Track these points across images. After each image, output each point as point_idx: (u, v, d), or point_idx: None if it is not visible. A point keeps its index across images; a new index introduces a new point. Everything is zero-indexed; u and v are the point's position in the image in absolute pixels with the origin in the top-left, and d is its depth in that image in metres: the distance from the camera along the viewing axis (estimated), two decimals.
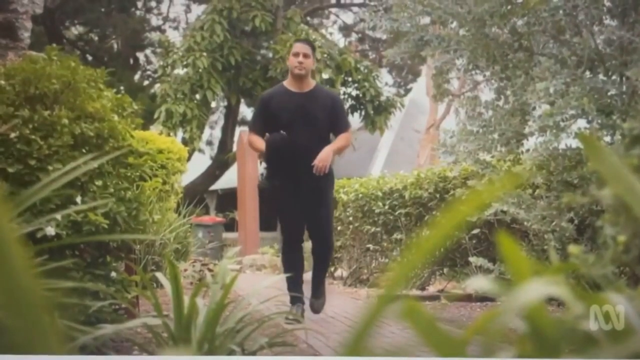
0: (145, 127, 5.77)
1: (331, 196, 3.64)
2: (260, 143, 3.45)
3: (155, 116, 11.61)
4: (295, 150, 3.32)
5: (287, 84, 3.57)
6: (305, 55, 3.46)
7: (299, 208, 3.43)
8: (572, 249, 0.78)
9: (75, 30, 15.68)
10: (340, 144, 3.51)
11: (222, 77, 12.19)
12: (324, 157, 3.32)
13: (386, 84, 14.84)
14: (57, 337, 0.44)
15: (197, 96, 12.00)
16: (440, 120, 11.82)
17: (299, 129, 3.38)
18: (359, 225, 5.89)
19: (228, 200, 14.08)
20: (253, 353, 1.67)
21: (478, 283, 0.60)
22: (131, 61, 15.24)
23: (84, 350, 1.50)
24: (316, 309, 3.49)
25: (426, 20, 4.32)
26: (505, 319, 0.50)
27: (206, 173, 14.45)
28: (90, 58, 14.51)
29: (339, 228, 6.17)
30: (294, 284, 3.39)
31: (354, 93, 12.20)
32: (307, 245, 3.81)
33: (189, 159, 5.83)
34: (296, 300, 3.38)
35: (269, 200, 3.59)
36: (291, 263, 3.49)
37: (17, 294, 0.41)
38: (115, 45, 15.31)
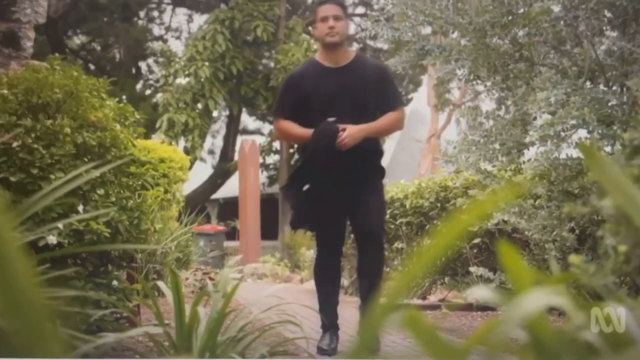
0: (147, 136, 5.81)
1: (383, 197, 2.86)
2: (299, 130, 2.74)
3: (157, 125, 11.66)
4: (333, 142, 2.63)
5: (320, 57, 2.81)
6: (337, 18, 2.71)
7: (338, 211, 2.73)
8: (573, 258, 0.78)
9: (78, 39, 15.79)
10: (380, 125, 2.72)
11: (223, 87, 12.24)
12: (351, 132, 2.61)
13: None
14: (59, 345, 0.44)
15: (199, 105, 12.06)
16: (441, 130, 11.84)
17: (337, 115, 2.65)
18: None
19: (229, 209, 14.09)
20: None
21: (479, 292, 0.60)
22: (133, 70, 15.32)
23: (85, 358, 1.50)
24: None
25: (427, 30, 4.35)
26: (506, 328, 0.50)
27: (208, 182, 14.46)
28: (92, 67, 14.58)
29: None
30: (328, 304, 2.72)
31: None
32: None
33: (190, 167, 5.84)
34: (329, 326, 2.70)
35: (296, 203, 2.77)
36: (325, 276, 2.79)
37: (20, 302, 0.42)
38: (117, 55, 15.39)
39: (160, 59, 13.56)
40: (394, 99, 2.83)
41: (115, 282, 2.26)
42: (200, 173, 14.10)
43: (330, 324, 2.71)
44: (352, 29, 16.15)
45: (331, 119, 2.66)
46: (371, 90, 2.76)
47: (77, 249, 2.08)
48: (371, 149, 2.79)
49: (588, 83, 3.11)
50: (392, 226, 5.57)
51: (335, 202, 2.71)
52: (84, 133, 2.25)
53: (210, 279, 4.59)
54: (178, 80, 12.18)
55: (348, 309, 4.87)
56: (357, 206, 2.74)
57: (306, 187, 2.67)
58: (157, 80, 14.40)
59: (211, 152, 16.31)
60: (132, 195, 2.31)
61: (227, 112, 14.52)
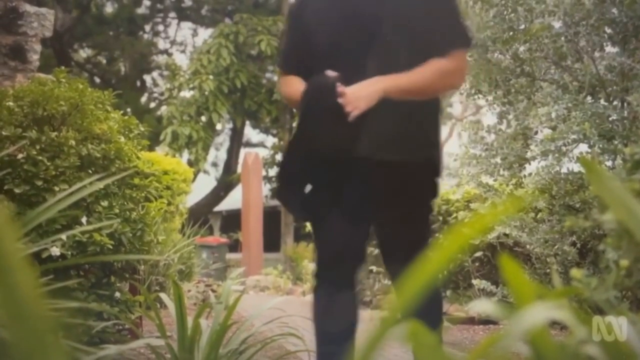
0: (151, 148, 5.84)
1: (425, 211, 1.81)
2: (293, 88, 1.70)
3: (161, 138, 11.72)
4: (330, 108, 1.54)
5: None
6: None
7: (347, 217, 1.71)
8: (575, 272, 0.78)
9: (84, 53, 15.92)
10: (413, 79, 1.58)
11: (227, 100, 12.31)
12: (355, 92, 1.53)
13: None
14: (61, 357, 0.44)
15: (203, 118, 12.13)
16: (443, 143, 11.83)
17: (353, 62, 1.59)
18: None
19: (232, 221, 14.07)
20: None
21: (481, 306, 0.61)
22: (138, 83, 15.43)
23: None
24: None
25: None
26: (508, 342, 0.50)
27: (211, 194, 14.48)
28: (98, 80, 14.69)
29: None
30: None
31: None
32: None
33: (194, 180, 5.85)
34: None
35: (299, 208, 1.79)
36: (326, 318, 1.69)
37: (22, 313, 0.42)
38: (122, 68, 15.51)
39: (165, 73, 13.66)
40: (447, 34, 1.62)
41: (117, 294, 2.26)
42: (204, 185, 14.12)
43: None
44: None
45: (331, 73, 1.57)
46: (410, 22, 1.60)
47: (80, 261, 2.08)
48: (412, 143, 1.63)
49: (589, 98, 3.13)
50: None
51: (340, 211, 1.70)
52: (89, 145, 2.27)
53: (213, 291, 4.58)
54: (182, 93, 12.27)
55: None
56: (391, 244, 1.79)
57: (308, 188, 1.67)
58: (162, 93, 14.49)
59: (214, 164, 16.34)
60: (136, 207, 2.31)
61: (230, 125, 14.57)
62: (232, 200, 14.25)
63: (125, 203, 2.28)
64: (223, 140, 16.08)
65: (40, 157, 2.15)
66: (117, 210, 2.22)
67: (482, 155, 3.44)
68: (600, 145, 2.87)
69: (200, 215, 11.42)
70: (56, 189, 2.11)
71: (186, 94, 12.25)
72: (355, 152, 1.60)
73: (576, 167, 3.22)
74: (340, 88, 1.55)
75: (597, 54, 3.21)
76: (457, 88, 1.91)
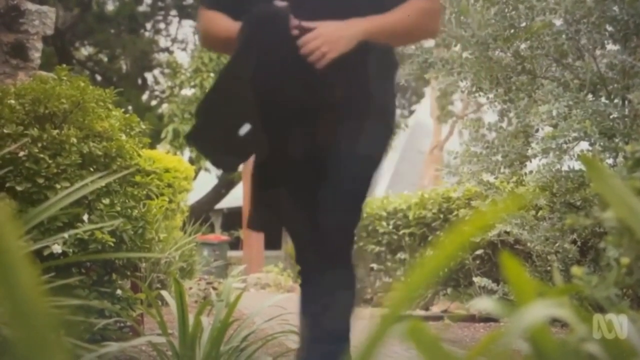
0: (152, 146, 5.85)
1: (361, 185, 1.49)
2: (225, 25, 1.46)
3: (163, 135, 11.74)
4: (290, 59, 1.36)
5: None
6: None
7: (310, 195, 1.45)
8: (575, 270, 0.78)
9: (85, 51, 15.93)
10: (393, 20, 1.43)
11: None
12: (329, 33, 1.35)
13: None
14: (63, 354, 0.45)
15: None
16: (444, 141, 11.85)
17: (303, 9, 1.38)
18: (363, 245, 5.89)
19: (233, 219, 14.09)
20: None
21: (482, 304, 0.61)
22: (139, 81, 15.43)
23: None
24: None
25: (430, 43, 4.38)
26: (508, 340, 0.51)
27: (212, 192, 14.49)
28: (99, 78, 14.69)
29: None
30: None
31: None
32: None
33: (195, 177, 5.86)
34: None
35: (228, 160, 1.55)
36: (316, 315, 1.47)
37: (24, 311, 0.42)
38: (124, 66, 15.51)
39: (166, 70, 13.65)
40: None
41: (119, 291, 2.26)
42: (205, 183, 14.14)
43: None
44: None
45: (280, 2, 1.37)
46: None
47: (82, 258, 2.08)
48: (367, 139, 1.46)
49: (590, 96, 3.12)
50: (395, 237, 5.58)
51: (302, 191, 1.47)
52: (90, 143, 2.27)
53: (214, 288, 4.59)
54: (184, 91, 12.29)
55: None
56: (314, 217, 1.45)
57: (245, 129, 1.38)
58: (163, 91, 14.49)
59: None
60: (137, 204, 2.32)
61: None
62: (233, 198, 14.27)
63: (127, 201, 2.28)
64: None
65: (41, 155, 2.15)
66: (118, 208, 2.22)
67: (482, 153, 3.44)
68: (601, 143, 2.86)
69: (202, 213, 11.43)
70: (58, 186, 2.11)
71: (187, 91, 12.26)
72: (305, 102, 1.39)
73: (577, 165, 3.21)
74: (293, 20, 1.35)
75: (598, 52, 3.21)
76: (435, 34, 1.62)
